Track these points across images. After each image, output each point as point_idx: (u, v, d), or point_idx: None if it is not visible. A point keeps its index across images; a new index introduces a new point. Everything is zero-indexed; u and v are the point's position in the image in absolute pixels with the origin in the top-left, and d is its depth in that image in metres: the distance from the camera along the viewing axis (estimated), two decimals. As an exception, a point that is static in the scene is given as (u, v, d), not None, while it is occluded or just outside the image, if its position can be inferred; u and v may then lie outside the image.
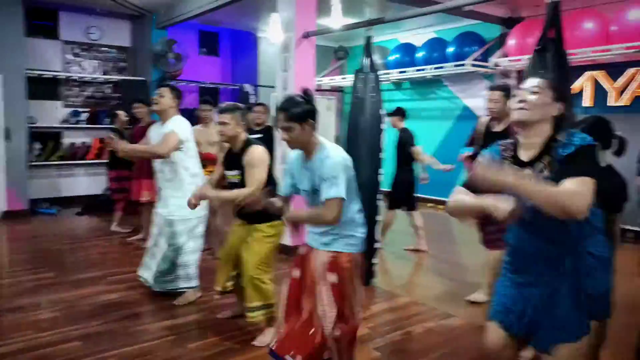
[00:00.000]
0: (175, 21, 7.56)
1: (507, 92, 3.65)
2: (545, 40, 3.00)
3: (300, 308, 2.36)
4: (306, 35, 4.97)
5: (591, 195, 1.57)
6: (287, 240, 4.05)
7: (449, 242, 6.23)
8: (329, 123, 9.61)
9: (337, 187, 2.21)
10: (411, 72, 8.09)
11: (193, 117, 5.08)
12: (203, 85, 9.07)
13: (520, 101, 1.75)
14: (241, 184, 3.05)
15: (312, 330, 2.28)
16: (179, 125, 3.64)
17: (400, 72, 8.23)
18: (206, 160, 4.63)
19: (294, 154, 2.46)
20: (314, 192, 2.32)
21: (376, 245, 4.34)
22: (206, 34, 9.38)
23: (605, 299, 2.17)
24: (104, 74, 8.30)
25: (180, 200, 3.53)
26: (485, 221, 3.69)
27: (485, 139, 3.74)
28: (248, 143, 3.10)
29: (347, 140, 4.37)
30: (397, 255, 5.35)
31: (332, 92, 9.75)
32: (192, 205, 3.14)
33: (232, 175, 3.15)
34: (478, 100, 7.84)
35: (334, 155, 2.28)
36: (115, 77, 8.34)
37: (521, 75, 4.65)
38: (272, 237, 3.08)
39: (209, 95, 8.34)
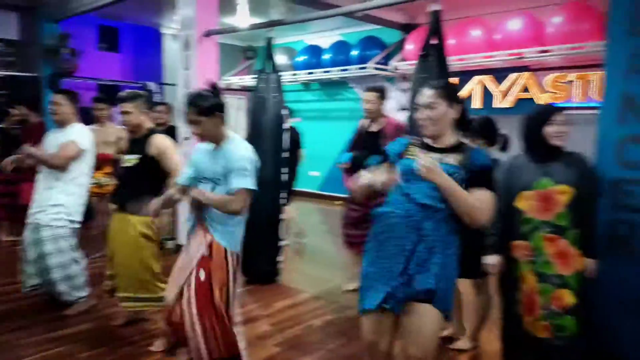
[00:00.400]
0: (70, 14, 7.11)
1: (381, 93, 3.78)
2: (428, 46, 3.22)
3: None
4: (208, 34, 4.91)
5: (491, 209, 1.92)
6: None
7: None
8: (239, 123, 9.55)
9: (246, 179, 2.30)
10: (318, 74, 8.27)
11: (89, 116, 4.83)
12: (102, 82, 8.62)
13: (422, 119, 1.97)
14: (135, 169, 2.99)
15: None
16: (79, 133, 3.47)
17: (308, 73, 8.38)
18: (102, 161, 4.43)
19: (203, 145, 2.48)
20: (216, 182, 2.37)
21: (281, 243, 4.40)
22: (106, 29, 8.93)
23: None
24: (-12, 69, 7.62)
25: (57, 208, 3.38)
26: (349, 223, 3.88)
27: (362, 140, 3.86)
28: (152, 131, 3.06)
29: (250, 139, 4.39)
30: (302, 251, 5.45)
31: (242, 91, 9.69)
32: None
33: (130, 159, 3.03)
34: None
35: (242, 148, 2.37)
36: (2, 73, 7.68)
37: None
38: (144, 232, 3.02)
39: (109, 93, 7.94)
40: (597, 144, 2.55)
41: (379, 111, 3.80)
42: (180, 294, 2.39)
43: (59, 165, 3.38)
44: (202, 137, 2.39)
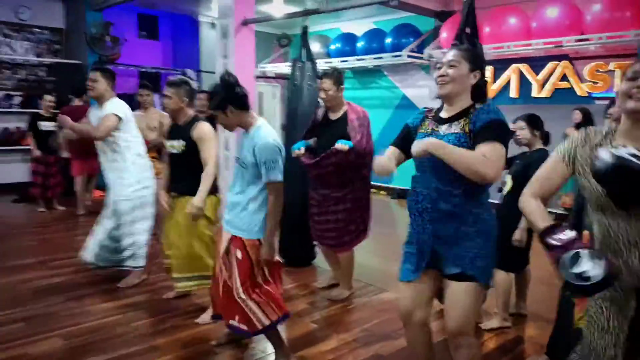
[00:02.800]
0: (111, 3, 7.38)
1: (337, 78, 3.50)
2: (461, 35, 3.28)
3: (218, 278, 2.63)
4: (245, 23, 5.06)
5: (501, 161, 1.80)
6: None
7: (387, 224, 6.58)
8: (274, 110, 9.71)
9: (277, 171, 2.45)
10: (352, 62, 8.34)
11: (133, 102, 5.06)
12: (143, 69, 8.90)
13: (441, 75, 1.93)
14: (183, 155, 3.14)
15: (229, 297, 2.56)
16: (116, 106, 3.66)
17: (342, 61, 8.45)
18: (147, 146, 4.67)
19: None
20: (242, 165, 2.53)
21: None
22: (145, 17, 9.19)
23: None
24: (38, 56, 7.99)
25: (124, 180, 3.64)
26: (317, 216, 3.69)
27: (320, 128, 3.64)
28: (195, 119, 3.19)
29: (285, 127, 4.53)
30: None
31: (277, 79, 9.84)
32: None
33: (175, 145, 3.17)
34: (416, 90, 8.23)
35: (269, 136, 2.47)
36: (49, 60, 8.05)
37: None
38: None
39: (150, 80, 8.23)
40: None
41: (338, 98, 3.54)
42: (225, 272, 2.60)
43: (100, 137, 3.60)
44: (226, 127, 2.57)
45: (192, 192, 3.05)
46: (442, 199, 1.92)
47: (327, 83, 3.47)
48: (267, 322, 2.55)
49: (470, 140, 1.87)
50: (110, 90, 3.72)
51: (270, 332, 2.64)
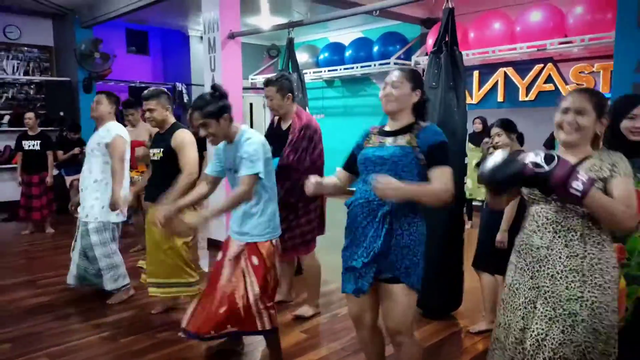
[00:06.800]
0: (100, 20, 7.43)
1: (281, 85, 3.27)
2: (440, 43, 3.31)
3: (216, 288, 2.59)
4: (231, 36, 5.10)
5: (452, 182, 1.99)
6: (221, 235, 4.19)
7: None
8: (265, 120, 9.74)
9: (254, 164, 2.43)
10: (341, 71, 8.40)
11: (119, 120, 5.09)
12: (133, 84, 8.94)
13: (385, 95, 2.10)
14: (160, 162, 3.19)
15: (224, 307, 2.52)
16: (118, 128, 3.72)
17: (330, 70, 8.52)
18: (137, 160, 4.69)
19: (220, 144, 2.65)
20: (235, 171, 2.53)
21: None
22: (134, 33, 9.25)
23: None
24: (26, 74, 8.01)
25: (99, 202, 3.64)
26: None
27: (273, 137, 3.35)
28: (175, 126, 3.23)
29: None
30: (327, 244, 5.59)
31: (266, 90, 9.86)
32: (116, 208, 3.31)
33: (156, 152, 3.25)
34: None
35: (253, 137, 2.51)
36: (38, 78, 8.07)
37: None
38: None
39: (140, 95, 8.24)
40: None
41: (285, 106, 3.32)
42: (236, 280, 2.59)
43: (119, 164, 3.62)
44: (214, 139, 2.52)
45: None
46: (379, 209, 2.03)
47: (270, 91, 3.29)
48: (269, 327, 2.61)
49: (416, 153, 2.02)
50: (112, 113, 3.79)
51: (272, 336, 2.70)
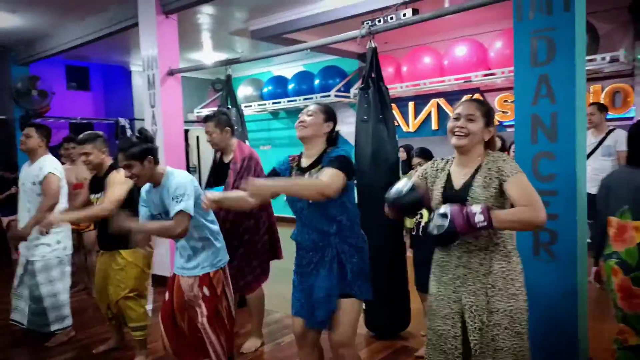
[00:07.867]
0: (38, 57, 7.34)
1: (218, 120, 3.36)
2: (367, 79, 3.56)
3: (178, 324, 2.70)
4: (171, 73, 5.19)
5: (338, 182, 2.08)
6: (166, 271, 4.18)
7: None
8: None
9: (184, 203, 2.49)
10: (284, 103, 8.62)
11: (57, 155, 5.03)
12: (74, 121, 8.80)
13: (300, 122, 2.29)
14: None
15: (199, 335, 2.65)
16: (51, 164, 3.64)
17: (274, 102, 8.73)
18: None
19: (146, 186, 2.70)
20: (166, 214, 2.57)
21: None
22: (74, 69, 9.16)
23: (360, 280, 2.33)
24: (-41, 113, 7.74)
25: (42, 239, 3.57)
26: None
27: (216, 171, 3.55)
28: (112, 167, 3.21)
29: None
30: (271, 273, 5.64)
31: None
32: (45, 232, 3.23)
33: (96, 197, 3.26)
34: (345, 127, 8.50)
35: (179, 176, 2.59)
36: (-27, 117, 7.81)
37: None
38: (134, 264, 3.17)
39: (82, 131, 8.11)
40: (517, 159, 2.88)
41: (224, 140, 3.40)
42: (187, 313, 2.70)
43: (53, 203, 3.54)
44: (137, 179, 2.57)
45: (116, 246, 3.11)
46: (322, 241, 2.23)
47: (209, 126, 3.36)
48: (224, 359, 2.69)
49: None
50: (43, 147, 3.71)
51: None
